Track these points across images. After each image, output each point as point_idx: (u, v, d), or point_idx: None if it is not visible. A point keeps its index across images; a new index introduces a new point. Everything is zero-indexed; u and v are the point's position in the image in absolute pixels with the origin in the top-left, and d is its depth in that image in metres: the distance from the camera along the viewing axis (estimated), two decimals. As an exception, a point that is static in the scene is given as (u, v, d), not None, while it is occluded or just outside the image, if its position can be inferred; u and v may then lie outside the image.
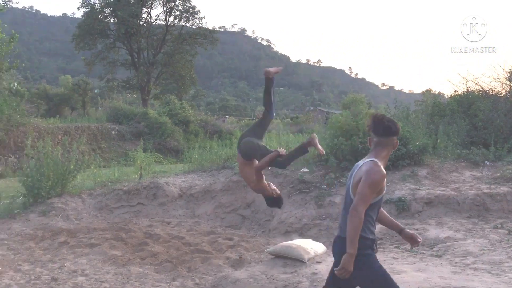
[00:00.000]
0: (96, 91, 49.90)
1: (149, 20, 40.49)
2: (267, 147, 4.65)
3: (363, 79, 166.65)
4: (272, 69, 4.63)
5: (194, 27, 41.40)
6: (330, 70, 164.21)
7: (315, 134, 4.35)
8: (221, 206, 9.14)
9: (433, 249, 5.80)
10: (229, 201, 9.18)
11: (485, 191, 7.16)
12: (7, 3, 18.59)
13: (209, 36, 40.98)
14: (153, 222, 8.30)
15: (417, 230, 6.42)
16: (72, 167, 9.17)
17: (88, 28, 36.38)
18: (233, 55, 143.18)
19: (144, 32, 39.07)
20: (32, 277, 5.12)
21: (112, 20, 38.63)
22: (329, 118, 13.14)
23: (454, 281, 4.30)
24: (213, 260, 5.78)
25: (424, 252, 5.70)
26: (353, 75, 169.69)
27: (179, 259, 5.88)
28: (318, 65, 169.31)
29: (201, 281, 5.14)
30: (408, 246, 5.99)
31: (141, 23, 39.19)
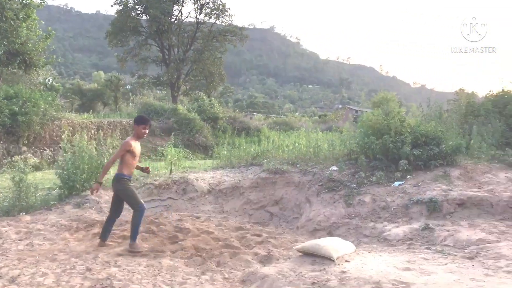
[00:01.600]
0: (127, 87, 50.84)
1: (180, 17, 40.99)
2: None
3: (394, 77, 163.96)
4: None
5: (224, 24, 41.69)
6: (359, 68, 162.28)
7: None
8: (249, 203, 9.21)
9: (465, 251, 5.69)
10: (257, 197, 9.24)
11: (521, 193, 6.99)
12: (44, 0, 19.00)
13: (238, 33, 41.15)
14: (183, 217, 8.42)
15: (448, 231, 6.33)
16: (105, 161, 9.39)
17: (121, 25, 37.09)
18: (262, 52, 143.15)
19: (175, 30, 39.56)
20: (68, 267, 5.28)
21: (144, 17, 39.28)
22: (359, 117, 13.03)
23: (487, 284, 4.22)
24: (241, 255, 5.84)
25: (456, 253, 5.60)
26: (383, 73, 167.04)
27: (209, 254, 5.96)
28: (347, 62, 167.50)
29: (230, 275, 5.20)
30: (439, 247, 5.92)
31: (172, 20, 39.68)
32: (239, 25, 42.85)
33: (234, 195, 9.56)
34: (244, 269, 5.37)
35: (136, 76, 41.35)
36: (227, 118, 28.42)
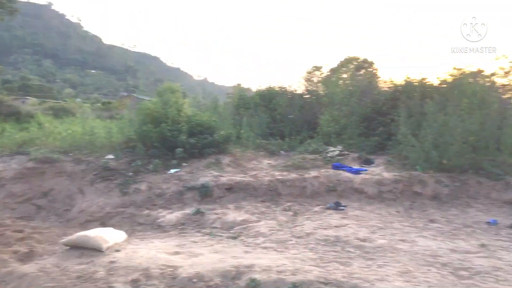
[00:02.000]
0: None
1: None
2: None
3: (178, 69, 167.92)
4: None
5: (-13, -8, 35.97)
6: (145, 56, 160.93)
7: None
8: (12, 196, 8.18)
9: (230, 231, 6.19)
10: (22, 189, 8.28)
11: (278, 177, 7.96)
12: None
13: (6, 5, 36.08)
14: None
15: (217, 214, 6.79)
16: None
17: None
18: (38, 30, 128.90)
19: None
20: None
21: None
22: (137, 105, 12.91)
23: (245, 260, 4.66)
24: (-4, 255, 5.15)
25: (222, 234, 6.05)
26: (168, 64, 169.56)
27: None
28: (133, 50, 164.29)
29: (-20, 279, 4.53)
30: (208, 230, 6.30)
31: None
32: (8, -5, 37.48)
33: (-7, 188, 8.36)
34: (-1, 270, 4.74)
35: None
36: (-10, 101, 24.70)
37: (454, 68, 11.06)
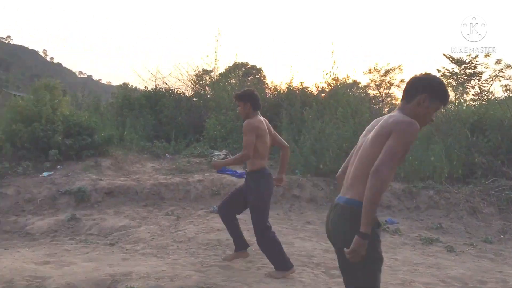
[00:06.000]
0: None
1: None
2: None
3: (59, 64, 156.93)
4: None
5: None
6: (21, 49, 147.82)
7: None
8: None
9: (108, 238, 5.90)
10: None
11: (162, 181, 7.79)
12: None
13: None
14: None
15: (94, 220, 6.44)
16: None
17: None
18: None
19: None
20: None
21: None
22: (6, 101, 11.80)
23: (122, 268, 4.46)
24: None
25: (98, 241, 5.74)
26: (48, 59, 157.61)
27: None
28: (7, 41, 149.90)
29: None
30: (83, 237, 5.93)
31: None
32: None
33: None
34: None
35: None
36: None
37: (333, 79, 11.85)
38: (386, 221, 6.99)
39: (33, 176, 7.59)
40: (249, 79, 20.73)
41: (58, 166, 7.97)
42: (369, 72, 25.18)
